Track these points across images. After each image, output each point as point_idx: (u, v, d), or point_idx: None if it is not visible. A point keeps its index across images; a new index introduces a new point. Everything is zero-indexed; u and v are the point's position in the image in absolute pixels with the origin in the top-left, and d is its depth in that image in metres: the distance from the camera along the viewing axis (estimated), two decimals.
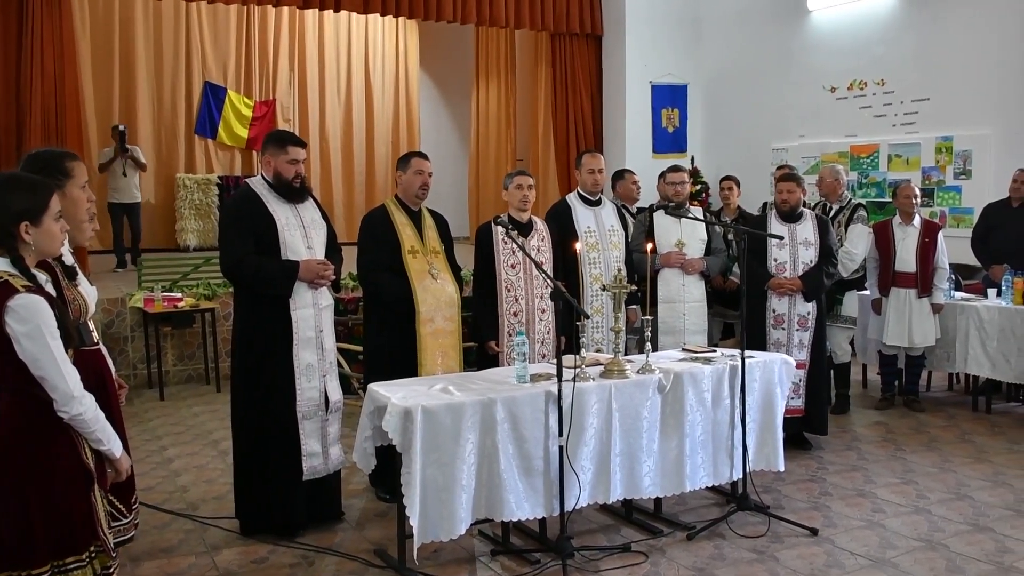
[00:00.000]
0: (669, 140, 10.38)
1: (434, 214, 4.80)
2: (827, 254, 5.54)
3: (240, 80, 12.30)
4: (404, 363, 4.42)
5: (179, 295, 7.33)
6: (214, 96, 12.03)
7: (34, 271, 2.50)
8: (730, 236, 6.22)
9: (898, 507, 4.54)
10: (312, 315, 4.15)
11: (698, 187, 9.75)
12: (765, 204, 7.00)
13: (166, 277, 7.82)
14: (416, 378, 4.24)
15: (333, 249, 4.32)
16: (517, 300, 4.79)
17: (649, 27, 10.10)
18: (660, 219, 5.56)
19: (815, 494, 4.75)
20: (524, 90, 12.07)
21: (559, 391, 3.67)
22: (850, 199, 6.48)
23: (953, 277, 6.56)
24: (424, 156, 4.75)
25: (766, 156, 9.58)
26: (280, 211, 4.11)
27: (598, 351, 4.91)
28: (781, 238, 5.40)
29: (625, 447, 4.00)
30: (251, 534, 4.17)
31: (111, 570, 2.61)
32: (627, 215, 6.23)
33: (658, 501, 4.39)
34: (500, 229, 4.57)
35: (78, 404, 2.43)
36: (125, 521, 3.10)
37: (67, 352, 2.45)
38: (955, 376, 7.17)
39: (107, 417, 2.57)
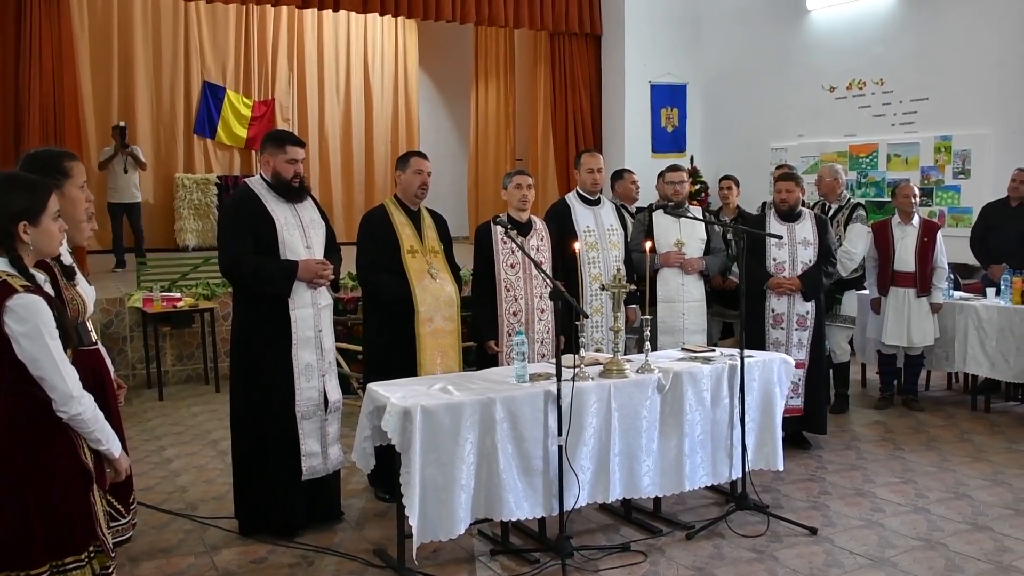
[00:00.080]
0: (668, 140, 10.39)
1: (433, 214, 4.79)
2: (826, 253, 5.54)
3: (239, 80, 12.30)
4: (403, 363, 4.42)
5: (178, 295, 7.32)
6: (213, 96, 12.02)
7: (32, 271, 2.50)
8: (729, 236, 6.22)
9: (897, 506, 4.54)
10: (311, 315, 4.14)
11: (697, 187, 9.76)
12: (764, 204, 7.00)
13: (165, 277, 7.82)
14: (415, 378, 4.24)
15: (332, 249, 4.32)
16: (516, 300, 4.79)
17: (648, 27, 10.10)
18: (659, 219, 5.56)
19: (814, 493, 4.75)
20: (523, 90, 12.07)
21: (558, 391, 3.67)
22: (849, 199, 6.49)
23: (952, 276, 6.56)
24: (423, 156, 4.74)
25: (765, 156, 9.59)
26: (279, 211, 4.11)
27: (597, 351, 4.90)
28: (780, 237, 5.41)
29: (624, 447, 4.00)
30: (250, 534, 4.16)
31: (110, 570, 2.61)
32: (626, 215, 6.23)
33: (657, 500, 4.39)
34: (499, 229, 4.57)
35: (77, 404, 2.43)
36: (123, 521, 3.11)
37: (66, 352, 2.45)
38: (954, 375, 7.17)
39: (106, 417, 2.56)
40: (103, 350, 3.04)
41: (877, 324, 6.48)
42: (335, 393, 4.28)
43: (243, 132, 12.23)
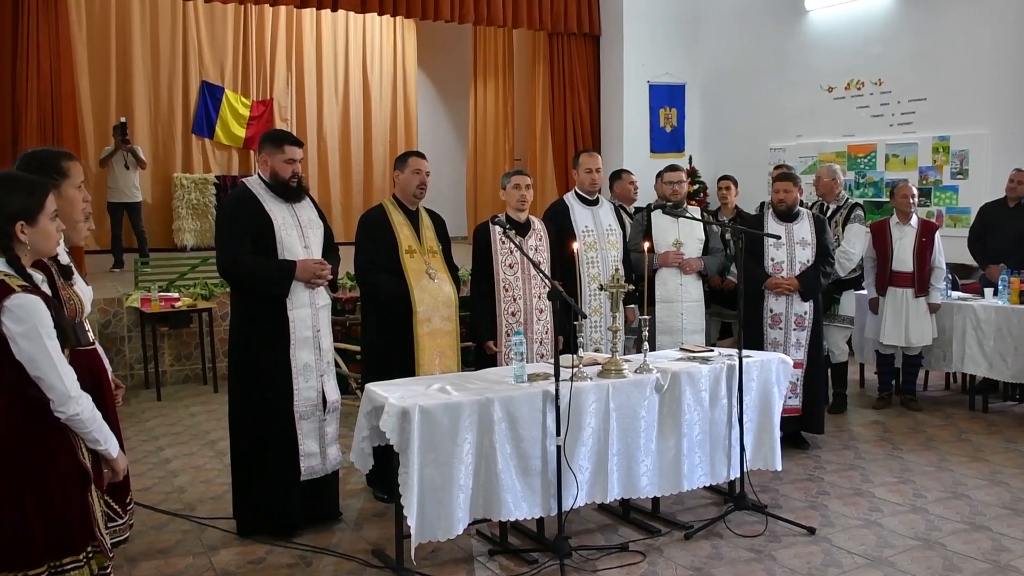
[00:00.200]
0: (667, 140, 10.39)
1: (432, 214, 4.79)
2: (824, 254, 5.55)
3: (237, 80, 12.28)
4: (402, 363, 4.41)
5: (176, 295, 7.31)
6: (211, 96, 12.01)
7: (30, 271, 2.49)
8: (728, 236, 6.22)
9: (895, 506, 4.54)
10: (309, 315, 4.14)
11: (696, 187, 9.75)
12: (762, 204, 7.00)
13: (163, 277, 7.81)
14: (414, 378, 4.24)
15: (330, 249, 4.31)
16: (515, 300, 4.79)
17: (647, 27, 10.10)
18: (658, 219, 5.57)
19: (812, 493, 4.75)
20: (522, 90, 12.07)
21: (557, 391, 3.67)
22: (847, 199, 6.50)
23: (950, 277, 6.57)
24: (422, 155, 4.74)
25: (764, 156, 9.59)
26: (277, 211, 4.11)
27: (596, 351, 4.91)
28: (778, 237, 5.41)
29: (623, 447, 4.00)
30: (248, 534, 4.16)
31: (107, 570, 2.61)
32: (625, 215, 6.23)
33: (656, 501, 4.39)
34: (498, 229, 4.57)
35: (75, 404, 2.43)
36: (120, 522, 3.11)
37: (63, 352, 2.45)
38: (952, 375, 7.18)
39: (103, 417, 2.56)
40: (101, 350, 3.04)
41: (875, 324, 6.49)
42: (333, 393, 4.27)
43: (241, 132, 12.22)
